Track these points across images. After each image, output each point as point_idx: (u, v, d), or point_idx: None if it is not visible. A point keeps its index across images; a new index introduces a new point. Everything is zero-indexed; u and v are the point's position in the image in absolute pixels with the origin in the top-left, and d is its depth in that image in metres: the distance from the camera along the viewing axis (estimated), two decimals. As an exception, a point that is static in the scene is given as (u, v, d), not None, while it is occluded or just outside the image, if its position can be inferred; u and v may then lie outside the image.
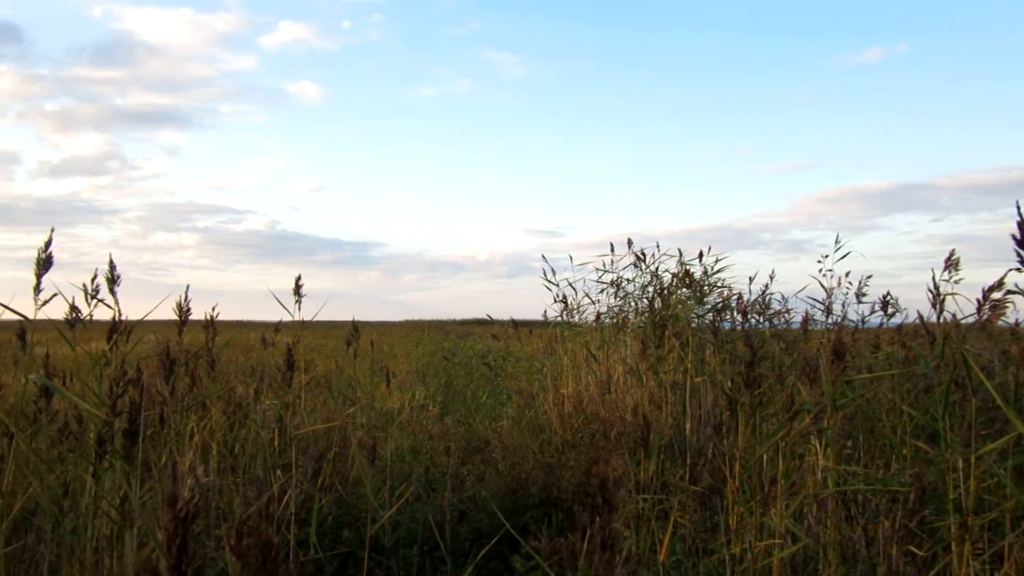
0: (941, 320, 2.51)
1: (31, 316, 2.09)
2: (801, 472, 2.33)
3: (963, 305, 2.45)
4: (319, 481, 2.83)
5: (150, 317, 2.46)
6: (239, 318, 14.02)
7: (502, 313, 11.75)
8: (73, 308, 2.45)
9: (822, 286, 4.93)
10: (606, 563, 0.81)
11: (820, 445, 2.20)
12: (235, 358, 9.31)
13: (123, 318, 2.29)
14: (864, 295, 4.93)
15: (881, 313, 4.37)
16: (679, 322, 4.58)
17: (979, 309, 2.37)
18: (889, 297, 4.32)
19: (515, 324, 7.84)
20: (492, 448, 4.19)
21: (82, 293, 2.36)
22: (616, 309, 5.43)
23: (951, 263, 2.74)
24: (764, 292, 5.21)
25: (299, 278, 2.77)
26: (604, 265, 5.51)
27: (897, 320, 4.41)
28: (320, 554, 2.39)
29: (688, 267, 5.00)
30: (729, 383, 2.40)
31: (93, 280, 2.33)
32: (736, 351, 4.34)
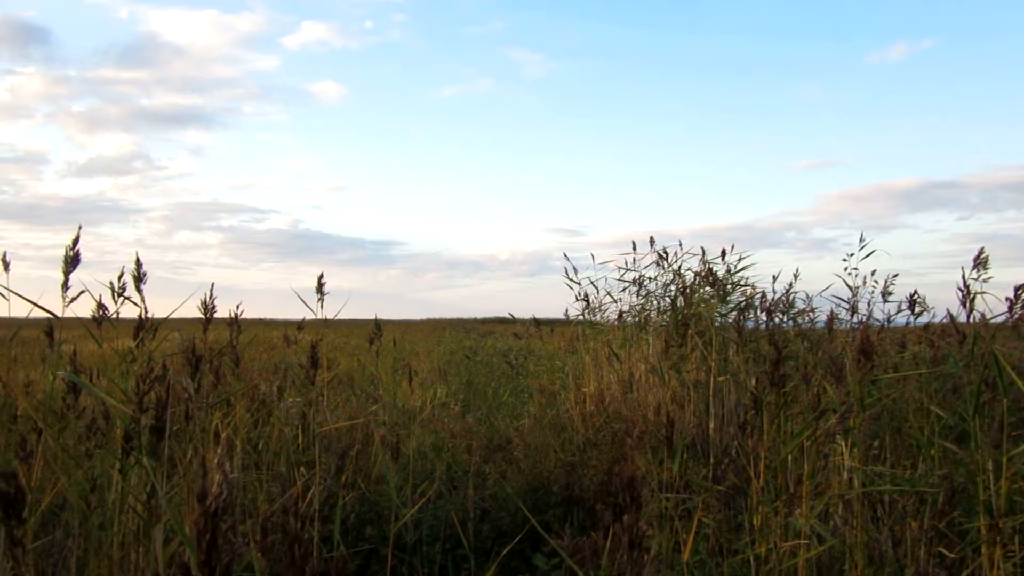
0: (971, 319, 2.46)
1: (59, 314, 2.12)
2: (827, 472, 2.30)
3: (992, 304, 2.41)
4: (342, 478, 2.85)
5: (175, 315, 2.49)
6: (262, 316, 14.12)
7: (523, 312, 11.74)
8: (100, 306, 2.48)
9: (847, 285, 4.88)
10: (634, 562, 0.80)
11: (846, 445, 2.17)
12: (259, 356, 9.39)
13: (149, 316, 2.32)
14: (890, 294, 4.87)
15: (908, 312, 4.30)
16: (702, 321, 4.55)
17: (1011, 308, 2.32)
18: (916, 296, 4.25)
19: (537, 323, 7.84)
20: (514, 446, 4.19)
21: (108, 291, 2.39)
22: (638, 308, 5.41)
23: (980, 261, 2.68)
24: (788, 291, 5.17)
25: (321, 276, 2.77)
26: (626, 264, 5.50)
27: (924, 319, 4.34)
28: (344, 551, 2.40)
29: (711, 265, 4.97)
30: (754, 382, 2.38)
31: (120, 278, 2.36)
32: (759, 350, 4.30)
